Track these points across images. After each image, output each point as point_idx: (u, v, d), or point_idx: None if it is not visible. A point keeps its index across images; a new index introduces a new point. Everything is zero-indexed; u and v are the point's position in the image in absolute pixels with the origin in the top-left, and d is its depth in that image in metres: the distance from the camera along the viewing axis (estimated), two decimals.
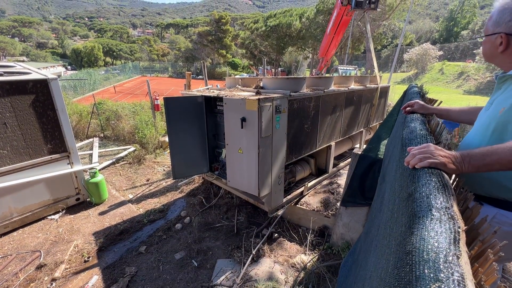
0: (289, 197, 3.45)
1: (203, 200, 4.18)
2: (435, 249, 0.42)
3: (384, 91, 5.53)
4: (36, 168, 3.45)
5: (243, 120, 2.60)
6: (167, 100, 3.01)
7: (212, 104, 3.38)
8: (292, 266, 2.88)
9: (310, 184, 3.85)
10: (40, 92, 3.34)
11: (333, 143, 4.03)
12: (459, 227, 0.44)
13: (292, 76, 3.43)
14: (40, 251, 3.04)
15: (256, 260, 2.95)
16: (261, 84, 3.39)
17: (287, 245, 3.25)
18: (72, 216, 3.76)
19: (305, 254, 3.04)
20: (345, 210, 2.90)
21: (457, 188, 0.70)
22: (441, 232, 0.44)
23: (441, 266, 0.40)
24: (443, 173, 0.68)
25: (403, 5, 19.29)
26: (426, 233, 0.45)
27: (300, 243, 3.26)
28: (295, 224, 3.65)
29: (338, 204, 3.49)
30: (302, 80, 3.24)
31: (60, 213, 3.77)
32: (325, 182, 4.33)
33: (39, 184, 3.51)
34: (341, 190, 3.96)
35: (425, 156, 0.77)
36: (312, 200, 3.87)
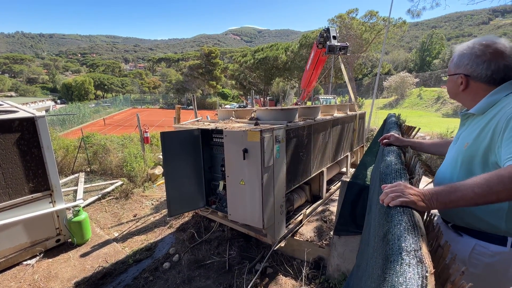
0: (290, 226, 3.38)
1: (195, 234, 4.01)
2: None
3: (362, 117, 5.89)
4: (15, 208, 3.26)
5: (245, 151, 2.59)
6: (163, 135, 2.94)
7: (208, 137, 3.35)
8: None
9: (308, 211, 3.82)
10: (26, 130, 3.30)
11: (324, 169, 4.10)
12: (427, 272, 0.46)
13: (286, 107, 3.57)
14: None
15: None
16: (256, 116, 3.47)
17: (281, 280, 3.09)
18: (50, 260, 3.49)
19: None
20: (339, 239, 2.84)
21: (429, 224, 0.73)
22: (409, 278, 0.46)
23: None
24: (414, 211, 0.71)
25: (378, 39, 21.19)
26: (396, 279, 0.46)
27: (295, 277, 3.11)
28: (289, 256, 3.51)
29: (331, 233, 3.42)
30: (295, 110, 3.38)
31: (37, 257, 3.50)
32: (318, 209, 4.30)
33: (16, 226, 3.29)
34: (333, 217, 3.91)
35: (396, 195, 0.80)
36: (305, 230, 3.78)
